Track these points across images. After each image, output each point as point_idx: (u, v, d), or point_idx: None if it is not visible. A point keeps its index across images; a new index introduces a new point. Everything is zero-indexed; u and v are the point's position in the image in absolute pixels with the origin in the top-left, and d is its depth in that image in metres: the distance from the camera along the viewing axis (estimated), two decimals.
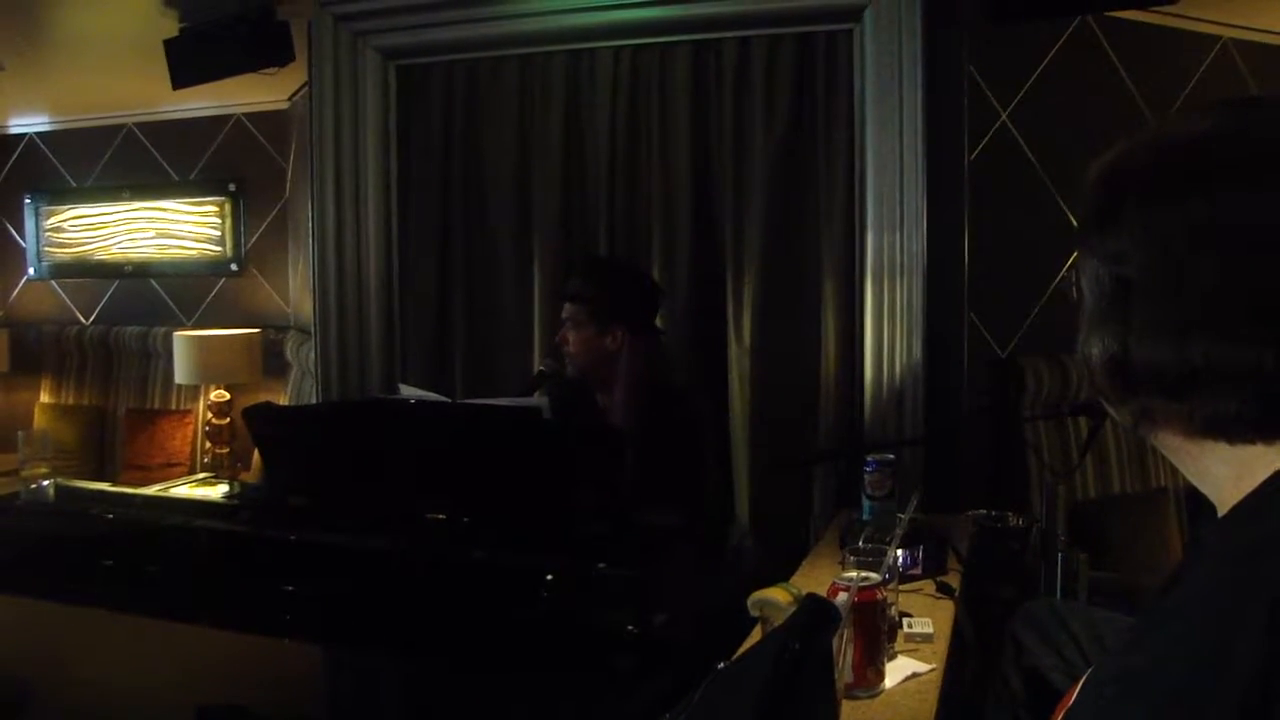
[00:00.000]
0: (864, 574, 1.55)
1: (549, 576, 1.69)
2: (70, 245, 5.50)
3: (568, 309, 2.73)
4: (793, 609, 1.47)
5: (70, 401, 5.41)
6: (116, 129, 5.29)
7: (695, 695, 1.07)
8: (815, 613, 1.11)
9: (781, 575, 2.01)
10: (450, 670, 1.75)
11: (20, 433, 2.51)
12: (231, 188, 5.09)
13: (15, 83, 4.45)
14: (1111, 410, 0.88)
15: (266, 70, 3.63)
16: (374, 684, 1.77)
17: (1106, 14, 3.25)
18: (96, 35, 3.94)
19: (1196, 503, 3.35)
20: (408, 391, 2.68)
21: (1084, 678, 0.84)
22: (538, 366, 3.11)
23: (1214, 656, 0.68)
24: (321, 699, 1.84)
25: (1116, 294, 0.82)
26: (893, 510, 2.30)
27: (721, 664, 1.19)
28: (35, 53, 4.12)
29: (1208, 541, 0.84)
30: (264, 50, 3.58)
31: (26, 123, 5.46)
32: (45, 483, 2.39)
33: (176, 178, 5.23)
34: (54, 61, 4.26)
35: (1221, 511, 0.82)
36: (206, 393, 4.91)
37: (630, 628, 1.63)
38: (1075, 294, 0.88)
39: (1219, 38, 3.59)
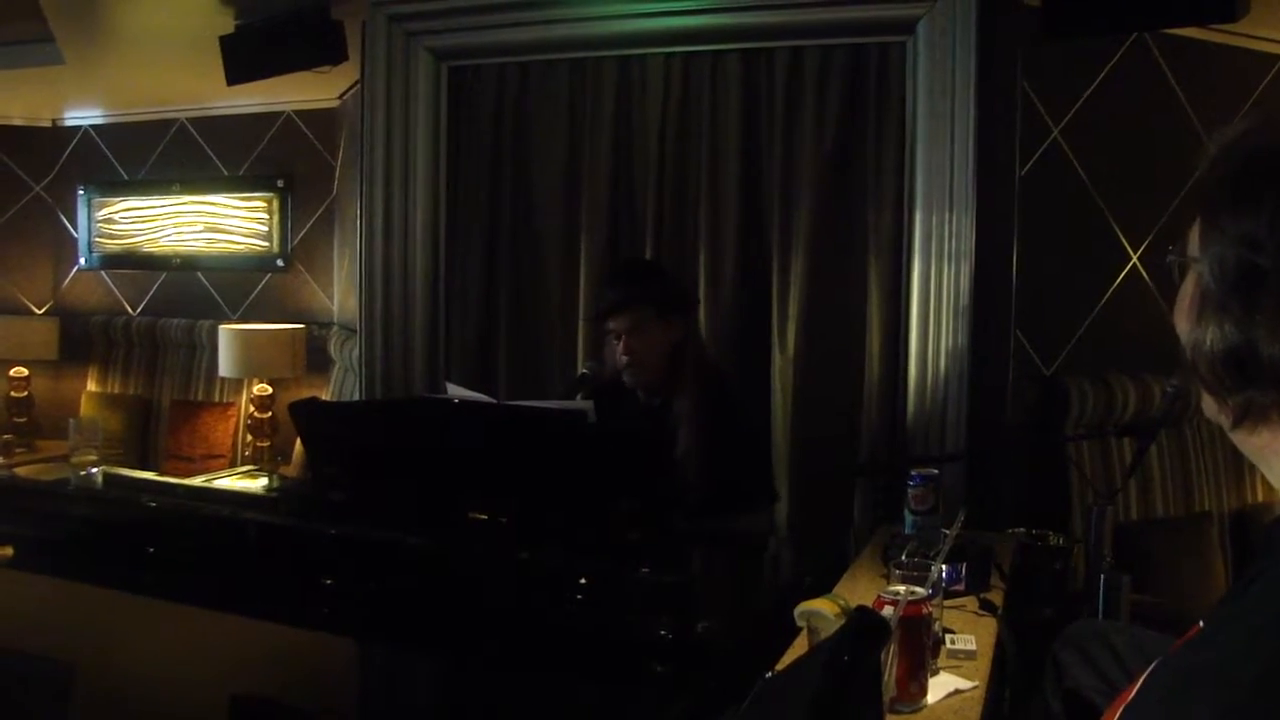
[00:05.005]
0: (911, 588, 1.54)
1: (585, 579, 1.70)
2: (120, 237, 5.58)
3: (624, 319, 2.65)
4: (840, 621, 1.46)
5: (116, 390, 5.49)
6: (169, 123, 5.37)
7: (744, 704, 1.07)
8: (866, 626, 1.11)
9: (821, 587, 2.00)
10: (484, 669, 1.75)
11: (71, 420, 2.55)
12: (280, 184, 5.15)
13: (74, 76, 4.52)
14: (1211, 400, 0.83)
15: (319, 69, 3.68)
16: (407, 680, 1.78)
17: (1163, 31, 3.21)
18: (155, 31, 4.00)
19: (1242, 529, 3.31)
20: (454, 390, 2.69)
21: (1145, 674, 0.80)
22: (580, 369, 3.11)
23: None
24: (354, 693, 1.85)
25: (1245, 281, 0.76)
26: (935, 525, 2.28)
27: (769, 674, 1.19)
28: (95, 47, 4.18)
29: None
30: (318, 49, 3.63)
31: (82, 115, 5.55)
32: (94, 470, 2.42)
33: (226, 173, 5.29)
34: (112, 56, 4.33)
35: None
36: (249, 386, 4.95)
37: (664, 633, 1.63)
38: (1178, 274, 0.83)
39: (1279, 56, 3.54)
